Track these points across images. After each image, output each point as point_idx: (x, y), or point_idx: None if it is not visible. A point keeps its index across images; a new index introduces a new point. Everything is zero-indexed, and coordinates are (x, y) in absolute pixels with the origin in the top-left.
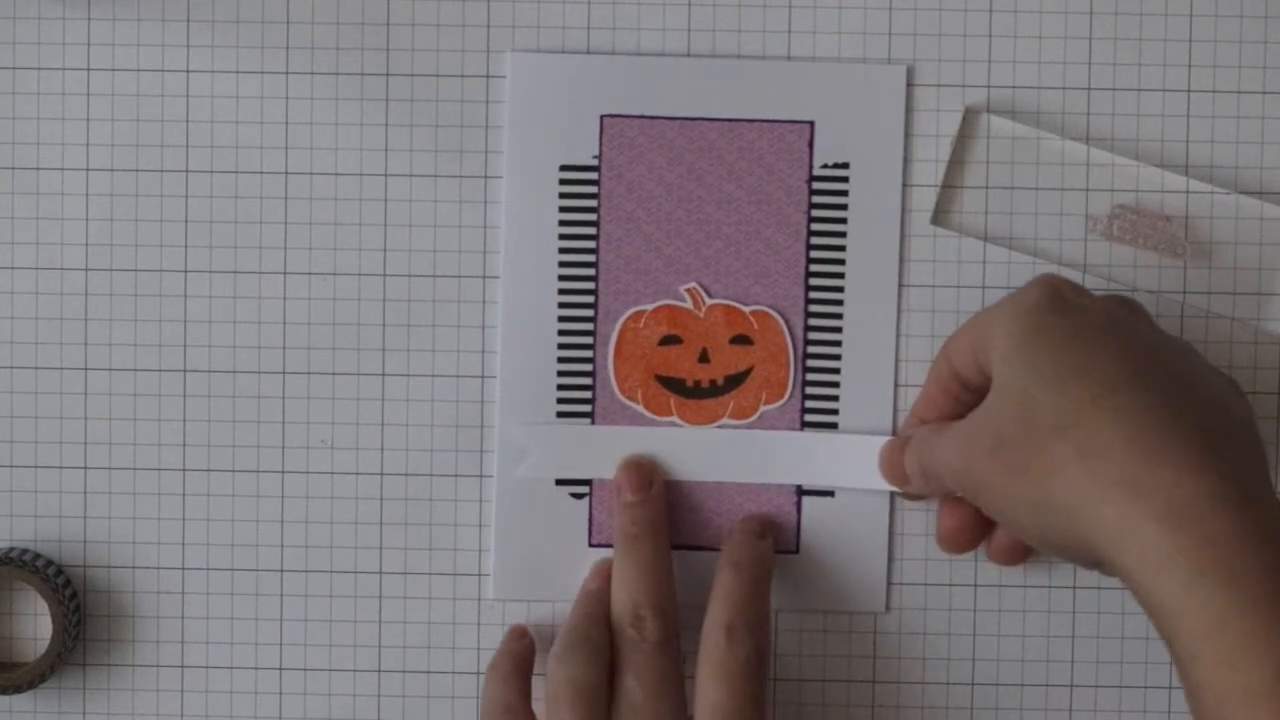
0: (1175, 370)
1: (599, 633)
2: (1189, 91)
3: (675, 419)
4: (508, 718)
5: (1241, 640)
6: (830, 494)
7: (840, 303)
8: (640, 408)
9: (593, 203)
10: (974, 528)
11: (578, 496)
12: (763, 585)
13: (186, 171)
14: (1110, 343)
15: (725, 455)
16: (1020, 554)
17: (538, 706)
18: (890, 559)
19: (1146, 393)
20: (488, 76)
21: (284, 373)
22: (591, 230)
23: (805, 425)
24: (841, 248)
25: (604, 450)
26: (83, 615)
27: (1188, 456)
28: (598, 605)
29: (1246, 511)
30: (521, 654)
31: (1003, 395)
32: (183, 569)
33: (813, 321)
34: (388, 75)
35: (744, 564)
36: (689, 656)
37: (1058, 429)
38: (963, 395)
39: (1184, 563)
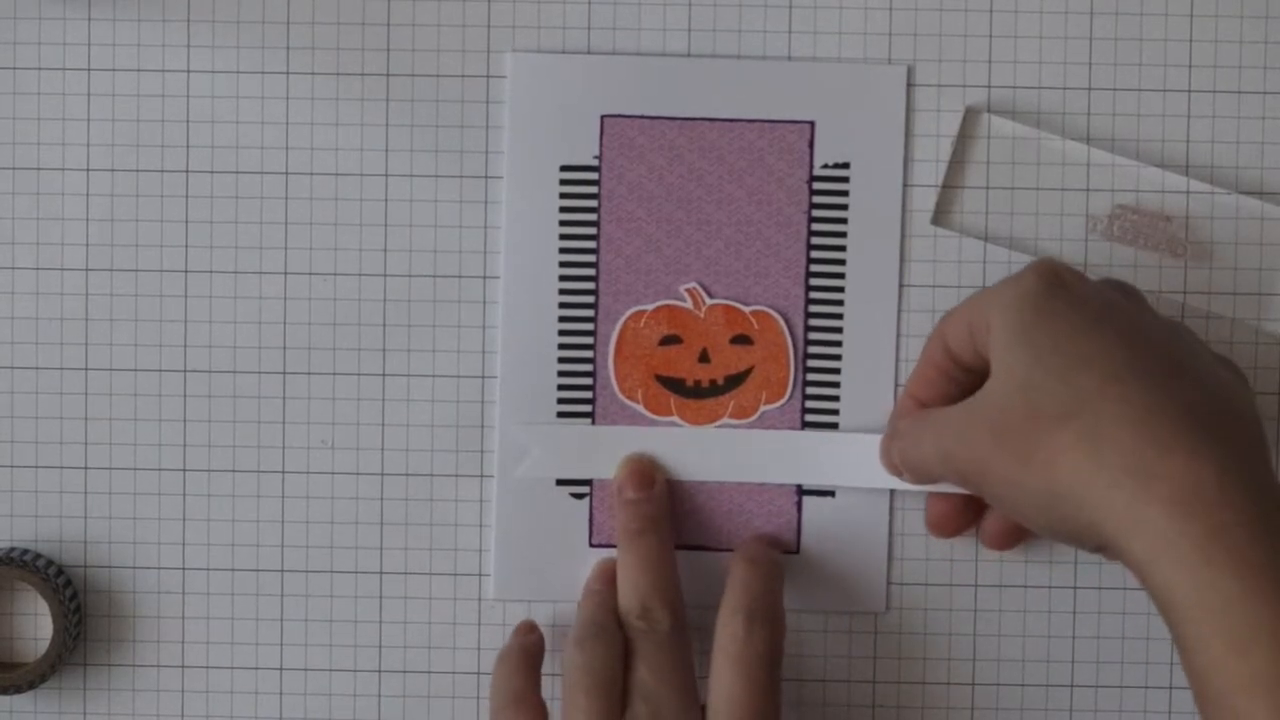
0: (1177, 357)
1: (614, 624)
2: (1189, 91)
3: (675, 419)
4: (518, 707)
5: (1248, 627)
6: (830, 494)
7: (840, 303)
8: (640, 408)
9: (593, 203)
10: (964, 512)
11: (578, 496)
12: (777, 580)
13: (187, 171)
14: (1111, 330)
15: (725, 455)
16: (1013, 538)
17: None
18: (890, 559)
19: (1151, 380)
20: (488, 76)
21: (284, 373)
22: (592, 230)
23: (805, 425)
24: (842, 248)
25: (605, 450)
26: (83, 615)
27: (1194, 444)
28: (609, 599)
29: (1254, 499)
30: (531, 647)
31: (1004, 383)
32: (183, 569)
33: (813, 321)
34: (388, 75)
35: (759, 559)
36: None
37: (1063, 417)
38: (956, 374)
39: (1192, 550)
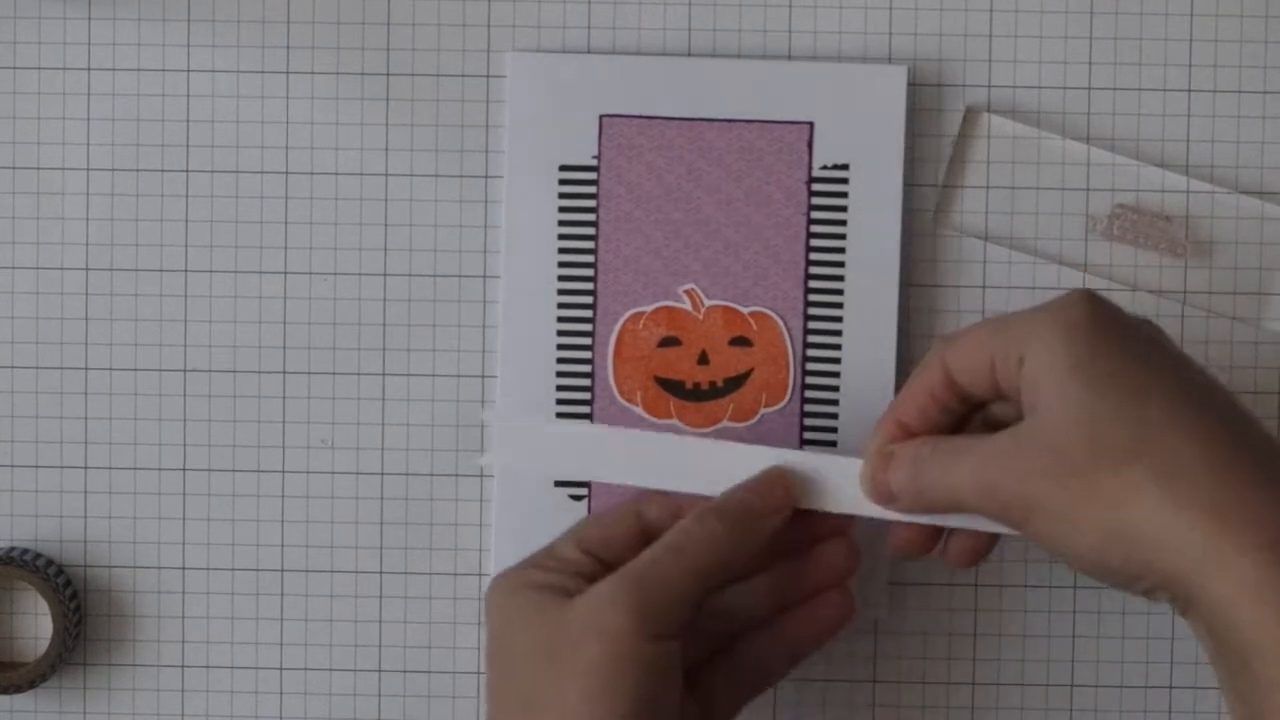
0: (1212, 385)
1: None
2: (1189, 91)
3: (675, 421)
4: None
5: None
6: None
7: (840, 305)
8: (640, 410)
9: (592, 203)
10: (931, 535)
11: (577, 498)
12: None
13: (187, 171)
14: (1165, 361)
15: (724, 472)
16: (976, 556)
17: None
18: (890, 559)
19: (1206, 410)
20: (488, 76)
21: (284, 372)
22: (591, 230)
23: (805, 428)
24: (841, 249)
25: (600, 451)
26: (83, 615)
27: (1270, 477)
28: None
29: None
30: None
31: (1060, 417)
32: (183, 569)
33: (812, 324)
34: (388, 75)
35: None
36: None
37: (1131, 453)
38: (954, 405)
39: None
